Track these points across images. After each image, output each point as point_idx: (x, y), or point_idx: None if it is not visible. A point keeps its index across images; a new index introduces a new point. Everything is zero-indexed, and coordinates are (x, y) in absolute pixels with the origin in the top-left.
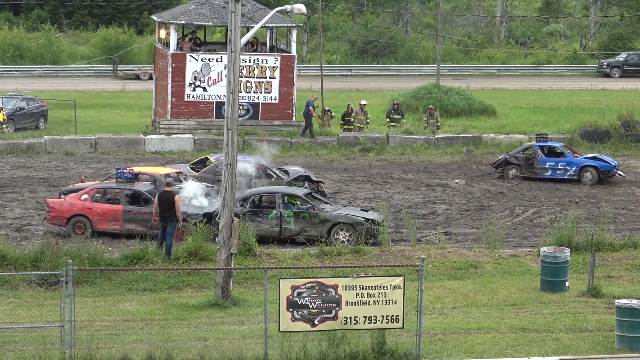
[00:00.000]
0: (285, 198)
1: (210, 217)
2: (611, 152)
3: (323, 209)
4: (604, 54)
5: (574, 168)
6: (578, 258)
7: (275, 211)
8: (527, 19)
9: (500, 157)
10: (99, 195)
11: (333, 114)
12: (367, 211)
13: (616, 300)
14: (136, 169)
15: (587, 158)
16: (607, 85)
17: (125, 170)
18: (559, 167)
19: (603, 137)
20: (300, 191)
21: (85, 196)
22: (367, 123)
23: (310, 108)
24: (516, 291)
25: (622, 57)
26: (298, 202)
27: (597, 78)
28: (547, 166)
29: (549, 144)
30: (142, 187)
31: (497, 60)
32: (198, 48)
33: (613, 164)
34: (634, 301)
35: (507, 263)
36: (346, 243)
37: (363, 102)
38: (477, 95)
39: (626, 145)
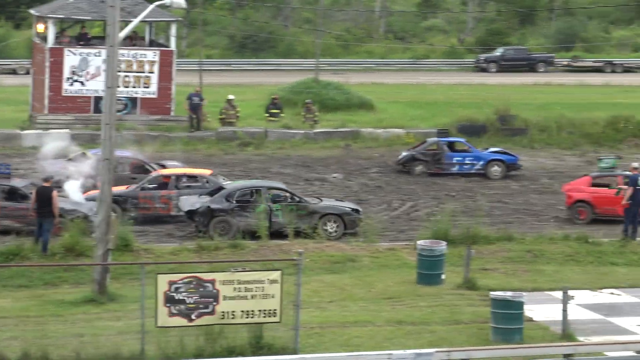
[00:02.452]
0: (270, 192)
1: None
2: (488, 145)
3: (308, 201)
4: (482, 49)
5: (481, 162)
6: (454, 251)
7: (263, 205)
8: (405, 14)
9: (406, 153)
10: None
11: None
12: (343, 202)
13: (491, 293)
14: (179, 171)
15: (492, 152)
16: (484, 79)
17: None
18: (466, 162)
19: (480, 131)
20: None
21: None
22: (238, 117)
23: (187, 101)
24: (393, 284)
25: (499, 52)
26: (287, 195)
27: (475, 73)
28: (454, 161)
29: (452, 139)
30: (18, 182)
31: (376, 55)
32: (90, 42)
33: (517, 157)
34: (509, 293)
35: (384, 257)
36: (334, 233)
37: (230, 97)
38: (355, 90)
39: (502, 139)
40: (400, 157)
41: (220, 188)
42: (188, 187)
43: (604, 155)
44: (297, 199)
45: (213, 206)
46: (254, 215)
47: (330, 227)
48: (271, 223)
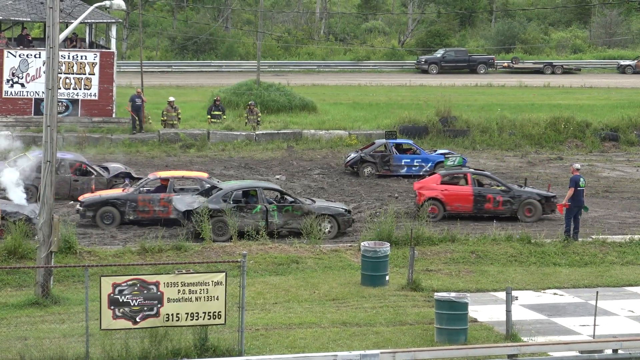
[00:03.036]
0: (265, 192)
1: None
2: (429, 146)
3: (303, 202)
4: (422, 51)
5: (429, 164)
6: (398, 252)
7: (259, 206)
8: (346, 16)
9: (354, 155)
10: None
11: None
12: (334, 202)
13: (435, 294)
14: (176, 173)
15: (440, 154)
16: (425, 81)
17: None
18: (415, 164)
19: (422, 133)
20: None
21: None
22: (179, 119)
23: (130, 103)
24: (337, 286)
25: (439, 53)
26: (283, 196)
27: (416, 74)
28: (402, 163)
29: (399, 140)
30: None
31: (317, 57)
32: (31, 44)
33: (465, 159)
34: (452, 294)
35: (328, 258)
36: (327, 233)
37: (171, 98)
38: (297, 92)
39: (444, 140)
40: (348, 158)
41: (213, 188)
42: (185, 189)
43: (450, 153)
44: (292, 200)
45: (211, 206)
46: (251, 216)
47: (324, 227)
48: (267, 223)
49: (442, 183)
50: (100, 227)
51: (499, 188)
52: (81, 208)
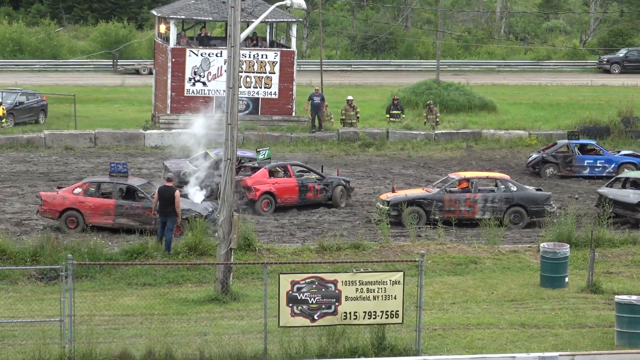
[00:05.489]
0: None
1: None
2: (611, 147)
3: None
4: (604, 50)
5: (612, 165)
6: (578, 254)
7: None
8: (527, 15)
9: (536, 155)
10: (92, 189)
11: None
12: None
13: (615, 296)
14: (479, 174)
15: (624, 155)
16: (606, 81)
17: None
18: (597, 165)
19: (603, 133)
20: None
21: (78, 190)
22: (358, 118)
23: (308, 102)
24: (516, 287)
25: (622, 53)
26: None
27: (597, 74)
28: (585, 164)
29: (582, 141)
30: (135, 181)
31: (497, 56)
32: (211, 43)
33: None
34: (634, 297)
35: (506, 259)
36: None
37: (349, 97)
38: (476, 91)
39: (626, 141)
40: (529, 159)
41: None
42: (490, 190)
43: (260, 147)
44: None
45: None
46: None
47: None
48: None
49: (270, 176)
50: (405, 226)
51: None
52: (387, 207)
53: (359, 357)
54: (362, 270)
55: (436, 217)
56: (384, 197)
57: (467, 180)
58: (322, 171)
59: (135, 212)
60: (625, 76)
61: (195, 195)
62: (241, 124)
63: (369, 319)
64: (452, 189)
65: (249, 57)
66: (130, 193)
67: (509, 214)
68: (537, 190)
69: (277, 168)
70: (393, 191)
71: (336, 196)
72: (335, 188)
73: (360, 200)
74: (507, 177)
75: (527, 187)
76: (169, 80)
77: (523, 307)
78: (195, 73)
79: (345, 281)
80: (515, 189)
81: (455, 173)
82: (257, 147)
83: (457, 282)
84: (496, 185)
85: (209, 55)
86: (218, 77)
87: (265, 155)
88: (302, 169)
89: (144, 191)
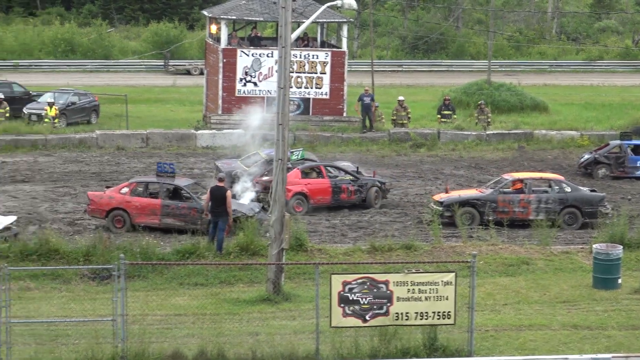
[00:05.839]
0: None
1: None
2: None
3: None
4: None
5: None
6: (631, 255)
7: None
8: (578, 15)
9: (588, 156)
10: (139, 189)
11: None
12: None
13: None
14: (533, 175)
15: None
16: None
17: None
18: None
19: None
20: None
21: (125, 190)
22: (409, 118)
23: (358, 102)
24: (568, 288)
25: None
26: None
27: None
28: (638, 165)
29: (635, 142)
30: (182, 182)
31: (549, 56)
32: (261, 43)
33: None
34: None
35: (558, 260)
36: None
37: (400, 98)
38: (528, 91)
39: None
40: (581, 159)
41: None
42: (544, 191)
43: (294, 148)
44: None
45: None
46: None
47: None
48: None
49: (303, 177)
50: (458, 226)
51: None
52: (441, 208)
53: (410, 357)
54: (413, 270)
55: (490, 218)
56: (437, 197)
57: (521, 181)
58: (358, 172)
59: (181, 212)
60: None
61: (244, 196)
62: (292, 125)
63: (420, 319)
64: (505, 189)
65: (300, 57)
66: (176, 193)
67: (562, 215)
68: (591, 191)
69: (310, 169)
70: (446, 192)
71: (370, 197)
72: (369, 189)
73: (411, 201)
74: (561, 177)
75: (582, 188)
76: (220, 81)
77: (575, 308)
78: (246, 73)
79: (397, 282)
80: (569, 189)
81: (509, 174)
82: (308, 147)
83: (509, 283)
84: (550, 186)
85: (259, 55)
86: (269, 77)
87: (299, 156)
88: (334, 169)
89: (191, 191)
